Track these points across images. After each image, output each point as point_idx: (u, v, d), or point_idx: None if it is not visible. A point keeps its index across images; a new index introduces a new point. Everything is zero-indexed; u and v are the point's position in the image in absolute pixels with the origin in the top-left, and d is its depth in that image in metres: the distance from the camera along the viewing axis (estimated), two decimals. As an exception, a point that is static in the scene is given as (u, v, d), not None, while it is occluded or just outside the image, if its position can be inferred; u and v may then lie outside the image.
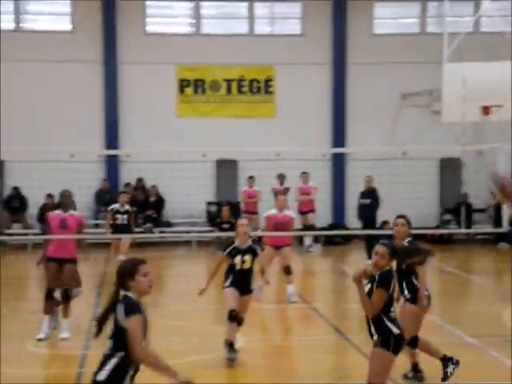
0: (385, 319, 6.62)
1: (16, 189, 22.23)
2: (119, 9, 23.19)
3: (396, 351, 6.69)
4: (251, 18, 24.00)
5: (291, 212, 14.12)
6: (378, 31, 24.12)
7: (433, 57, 21.98)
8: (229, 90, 23.79)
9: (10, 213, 22.37)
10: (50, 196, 21.48)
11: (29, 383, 8.66)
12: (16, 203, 22.37)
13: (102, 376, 5.12)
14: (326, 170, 23.11)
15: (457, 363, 8.24)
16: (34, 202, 21.78)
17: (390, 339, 6.60)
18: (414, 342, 8.28)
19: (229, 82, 23.76)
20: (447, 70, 18.50)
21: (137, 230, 17.16)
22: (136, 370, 5.21)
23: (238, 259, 9.43)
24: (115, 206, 15.89)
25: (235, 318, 9.28)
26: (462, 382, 8.27)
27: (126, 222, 15.82)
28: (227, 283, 9.47)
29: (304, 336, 11.30)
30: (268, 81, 23.86)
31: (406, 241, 8.41)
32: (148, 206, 22.50)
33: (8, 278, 16.13)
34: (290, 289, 13.55)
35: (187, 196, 20.46)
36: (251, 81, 23.82)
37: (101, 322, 5.24)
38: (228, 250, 9.52)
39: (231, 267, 9.50)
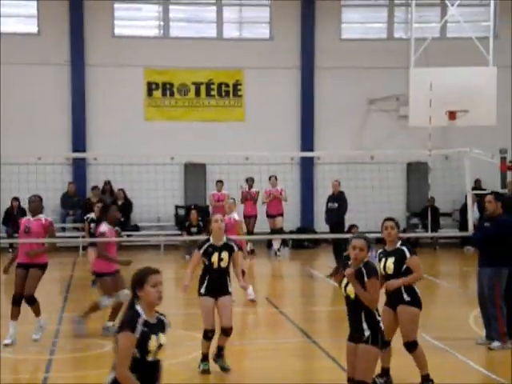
0: (375, 312, 6.75)
1: (-19, 192, 21.97)
2: (87, 11, 23.03)
3: (382, 347, 6.82)
4: (220, 22, 23.99)
5: (237, 216, 14.18)
6: (345, 36, 24.25)
7: (400, 62, 22.17)
8: (197, 94, 23.75)
9: (-25, 216, 22.10)
10: (15, 199, 21.27)
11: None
12: (-19, 206, 22.11)
13: (107, 380, 5.04)
14: (294, 174, 23.16)
15: None
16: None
17: (378, 335, 6.70)
18: (413, 346, 8.31)
19: (197, 85, 23.72)
20: (414, 75, 18.65)
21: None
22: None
23: (215, 257, 8.96)
24: (90, 215, 15.59)
25: (210, 338, 9.04)
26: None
27: None
28: (203, 289, 9.00)
29: (272, 339, 11.31)
30: (237, 85, 23.86)
31: (399, 243, 8.43)
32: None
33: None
34: (249, 290, 13.56)
35: (155, 199, 20.36)
36: (220, 84, 23.80)
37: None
38: (204, 248, 9.02)
39: (207, 268, 9.03)
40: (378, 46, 23.92)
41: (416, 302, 8.33)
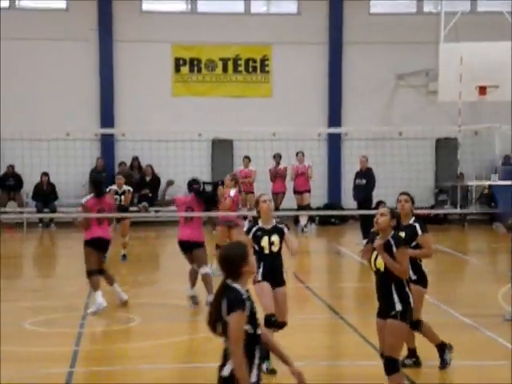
0: (405, 284, 6.81)
1: (11, 167, 22.18)
2: (114, -14, 23.02)
3: (408, 323, 6.86)
4: (247, -3, 23.85)
5: (233, 191, 14.18)
6: (374, 10, 24.01)
7: (429, 36, 21.91)
8: (225, 70, 23.69)
9: (5, 191, 22.35)
10: (45, 174, 21.43)
11: (25, 360, 8.70)
12: (11, 181, 22.34)
13: (226, 372, 4.85)
14: (321, 150, 23.07)
15: (450, 347, 8.24)
16: (29, 180, 21.74)
17: (407, 311, 6.72)
18: (418, 325, 8.21)
19: (225, 61, 23.65)
20: (444, 50, 18.43)
21: (131, 209, 17.16)
22: (262, 359, 4.93)
23: (265, 241, 8.28)
24: (113, 187, 15.87)
25: (273, 324, 8.13)
26: (456, 362, 8.30)
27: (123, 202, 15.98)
28: (259, 275, 8.20)
29: (299, 315, 11.31)
30: (264, 60, 23.75)
31: (413, 220, 8.27)
32: (144, 185, 22.46)
33: (3, 256, 16.12)
34: None
35: (183, 175, 20.37)
36: (247, 60, 23.71)
37: (213, 320, 4.86)
38: (252, 232, 8.34)
39: (258, 254, 8.17)
40: (407, 20, 23.63)
41: (423, 280, 8.18)
